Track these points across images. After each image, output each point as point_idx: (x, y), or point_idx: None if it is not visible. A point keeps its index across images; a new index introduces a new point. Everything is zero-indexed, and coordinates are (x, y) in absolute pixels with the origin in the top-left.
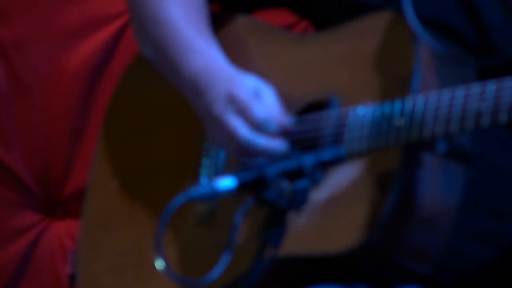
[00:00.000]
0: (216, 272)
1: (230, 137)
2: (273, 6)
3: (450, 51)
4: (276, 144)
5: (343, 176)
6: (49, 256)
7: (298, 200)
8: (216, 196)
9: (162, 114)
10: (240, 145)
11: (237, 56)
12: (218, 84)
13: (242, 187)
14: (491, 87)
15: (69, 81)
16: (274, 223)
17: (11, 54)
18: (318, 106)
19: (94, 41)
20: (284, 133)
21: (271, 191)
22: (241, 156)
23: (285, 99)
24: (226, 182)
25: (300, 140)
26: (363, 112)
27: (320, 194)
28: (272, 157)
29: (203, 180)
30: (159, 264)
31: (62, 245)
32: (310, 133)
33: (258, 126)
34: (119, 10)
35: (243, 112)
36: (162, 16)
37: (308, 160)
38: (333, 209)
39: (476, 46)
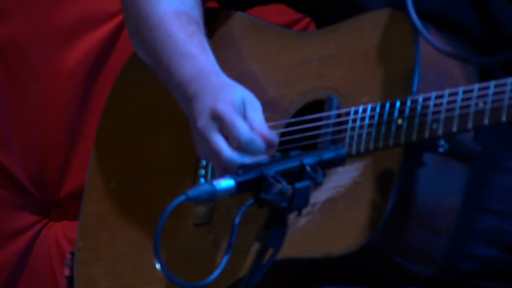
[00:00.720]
0: (216, 274)
1: (214, 154)
2: (273, 3)
3: (452, 49)
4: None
5: (343, 177)
6: (46, 257)
7: (299, 201)
8: (216, 196)
9: (159, 114)
10: (222, 163)
11: (234, 54)
12: (205, 95)
13: (242, 187)
14: (491, 87)
15: (65, 80)
16: (274, 224)
17: (7, 53)
18: (317, 105)
19: (91, 39)
20: (269, 147)
21: (271, 191)
22: (224, 172)
23: (283, 98)
24: (226, 182)
25: (300, 140)
26: (363, 112)
27: (320, 195)
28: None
29: (202, 180)
30: (159, 266)
31: (59, 247)
32: (310, 133)
33: (241, 147)
34: (116, 8)
35: (226, 131)
36: (154, 18)
37: (309, 160)
38: (334, 211)
39: (484, 40)
